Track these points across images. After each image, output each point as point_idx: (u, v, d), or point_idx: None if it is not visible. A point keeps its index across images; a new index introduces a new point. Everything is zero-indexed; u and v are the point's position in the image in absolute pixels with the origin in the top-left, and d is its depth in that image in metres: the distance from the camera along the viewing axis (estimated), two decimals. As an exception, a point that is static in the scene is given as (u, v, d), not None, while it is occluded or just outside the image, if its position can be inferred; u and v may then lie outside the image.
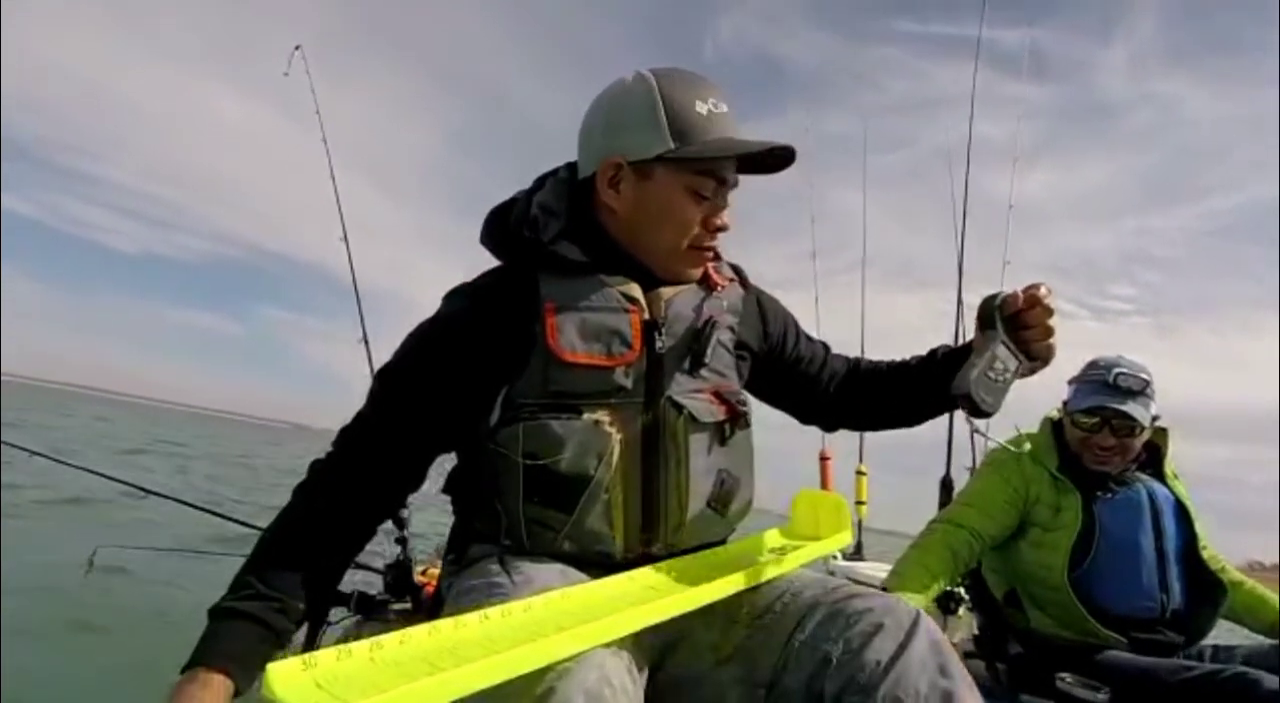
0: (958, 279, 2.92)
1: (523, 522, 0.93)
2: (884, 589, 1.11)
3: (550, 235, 0.98)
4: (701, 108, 0.95)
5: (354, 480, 0.93)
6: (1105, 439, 1.72)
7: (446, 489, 1.06)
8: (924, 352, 1.15)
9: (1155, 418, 1.73)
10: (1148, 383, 1.70)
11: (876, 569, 2.79)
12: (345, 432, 0.96)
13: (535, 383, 0.93)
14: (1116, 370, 1.71)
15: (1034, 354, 0.94)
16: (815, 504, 1.19)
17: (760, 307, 1.12)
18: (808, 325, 1.22)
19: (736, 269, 1.13)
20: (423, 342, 0.98)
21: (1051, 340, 0.94)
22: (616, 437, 0.92)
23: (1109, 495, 1.71)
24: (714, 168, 0.97)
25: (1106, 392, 1.71)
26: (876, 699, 0.73)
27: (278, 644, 0.83)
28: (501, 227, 1.02)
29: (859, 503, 3.30)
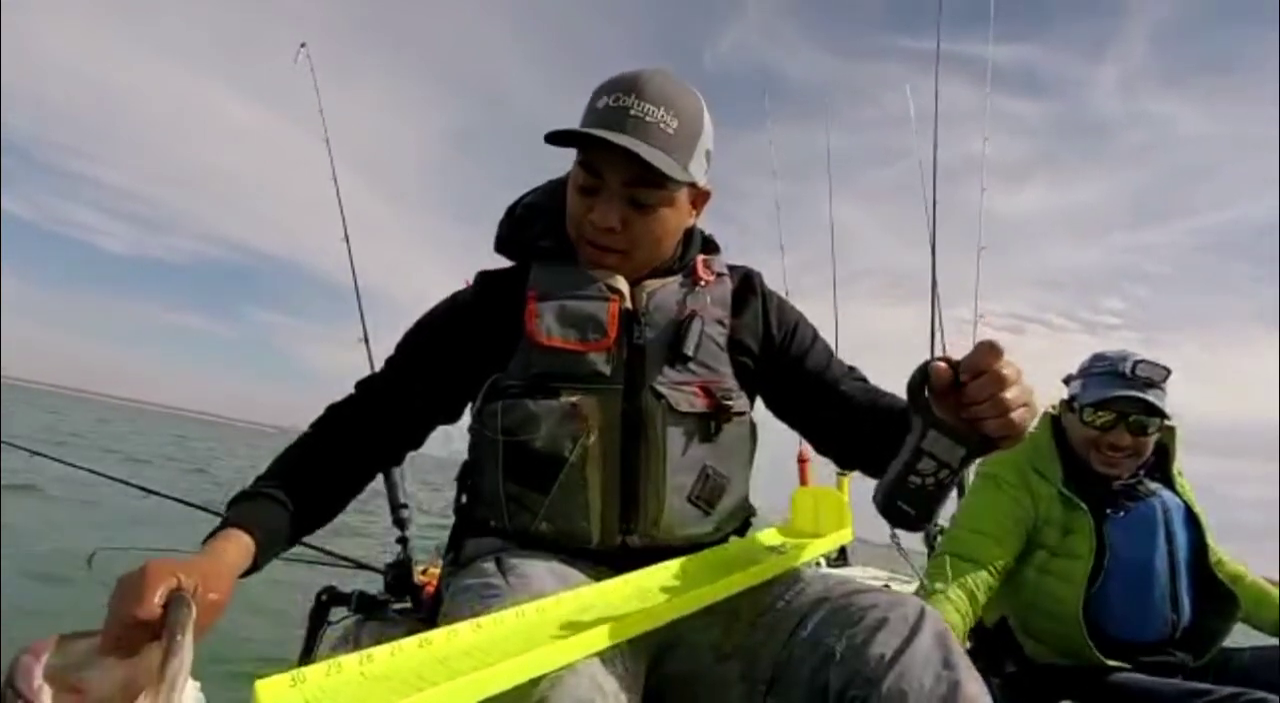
0: (931, 284, 2.85)
1: (503, 500, 0.97)
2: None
3: (535, 231, 1.06)
4: (600, 102, 0.95)
5: (358, 422, 1.00)
6: (1120, 438, 1.55)
7: (459, 477, 1.10)
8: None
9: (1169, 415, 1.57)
10: (1169, 373, 1.54)
11: (864, 575, 2.73)
12: (360, 383, 1.05)
13: (519, 366, 0.98)
14: (1134, 359, 1.55)
15: (990, 433, 0.71)
16: (815, 501, 1.18)
17: (765, 308, 1.10)
18: None
19: (750, 273, 1.12)
20: (430, 317, 1.08)
21: (1014, 415, 0.70)
22: (593, 421, 0.94)
23: (1120, 513, 1.55)
24: (587, 160, 0.97)
25: (1123, 383, 1.55)
26: (881, 692, 0.72)
27: (293, 530, 0.88)
28: (500, 230, 1.11)
29: (843, 468, 3.14)
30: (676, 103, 0.95)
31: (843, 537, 1.15)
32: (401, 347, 1.06)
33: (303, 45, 2.44)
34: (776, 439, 1.16)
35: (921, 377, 0.72)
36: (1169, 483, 1.63)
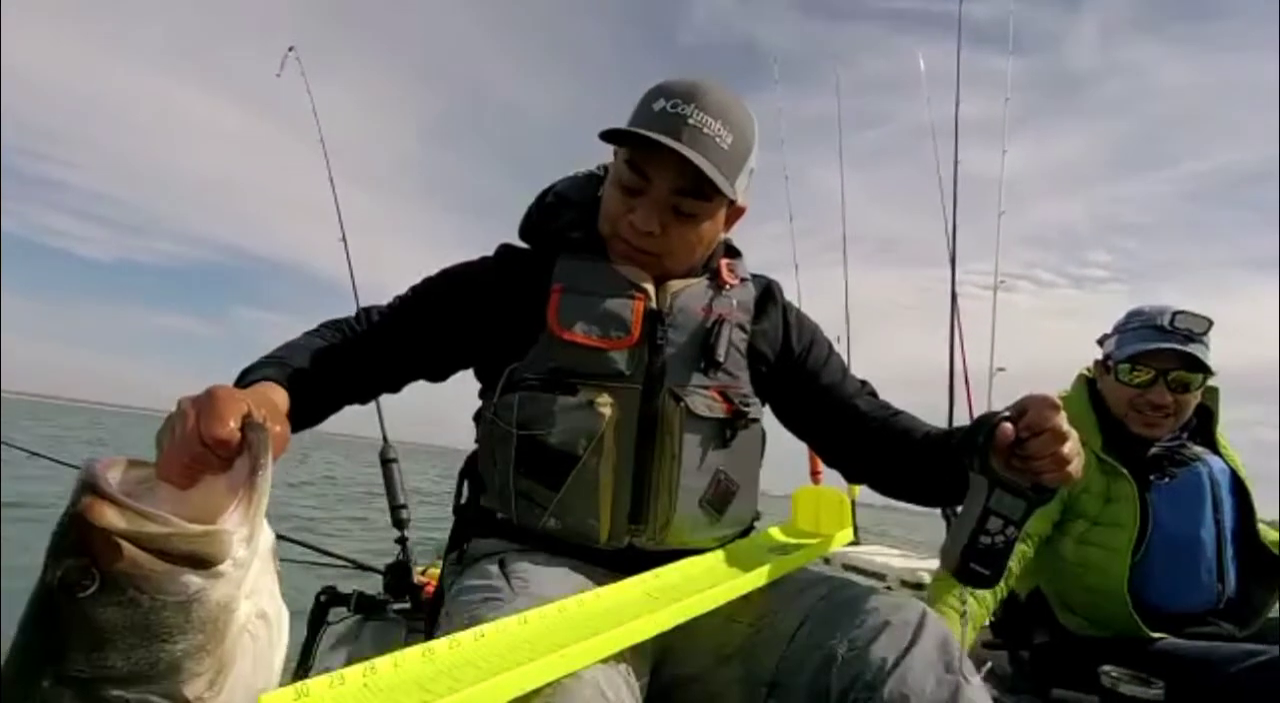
0: (950, 258, 2.83)
1: (513, 494, 0.96)
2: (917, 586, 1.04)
3: (563, 221, 1.05)
4: (656, 105, 0.94)
5: (349, 343, 0.97)
6: (1160, 396, 1.45)
7: (463, 471, 1.09)
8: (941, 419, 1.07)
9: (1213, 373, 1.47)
10: (1210, 324, 1.44)
11: (876, 554, 2.73)
12: (362, 310, 1.03)
13: (538, 359, 0.96)
14: (1174, 311, 1.45)
15: (1048, 485, 0.77)
16: (817, 500, 1.18)
17: (785, 319, 1.10)
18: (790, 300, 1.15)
19: (771, 283, 1.12)
20: (449, 274, 1.06)
21: (1071, 468, 0.76)
22: (610, 420, 0.93)
23: (1165, 480, 1.45)
24: (635, 160, 0.95)
25: (1161, 336, 1.45)
26: (882, 696, 0.73)
27: (300, 408, 0.86)
28: (528, 216, 1.10)
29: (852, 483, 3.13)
30: (732, 118, 0.95)
31: (844, 537, 1.15)
32: (413, 291, 1.04)
33: (290, 49, 2.39)
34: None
35: (986, 437, 0.76)
36: (1213, 447, 1.54)
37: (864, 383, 1.11)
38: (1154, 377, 1.46)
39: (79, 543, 0.50)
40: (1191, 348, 1.44)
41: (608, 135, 0.95)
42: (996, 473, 0.77)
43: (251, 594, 0.54)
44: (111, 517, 0.50)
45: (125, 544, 0.50)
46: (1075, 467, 0.76)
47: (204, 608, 0.51)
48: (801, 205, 4.21)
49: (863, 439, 1.04)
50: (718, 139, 0.93)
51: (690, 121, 0.92)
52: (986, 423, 0.77)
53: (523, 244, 1.10)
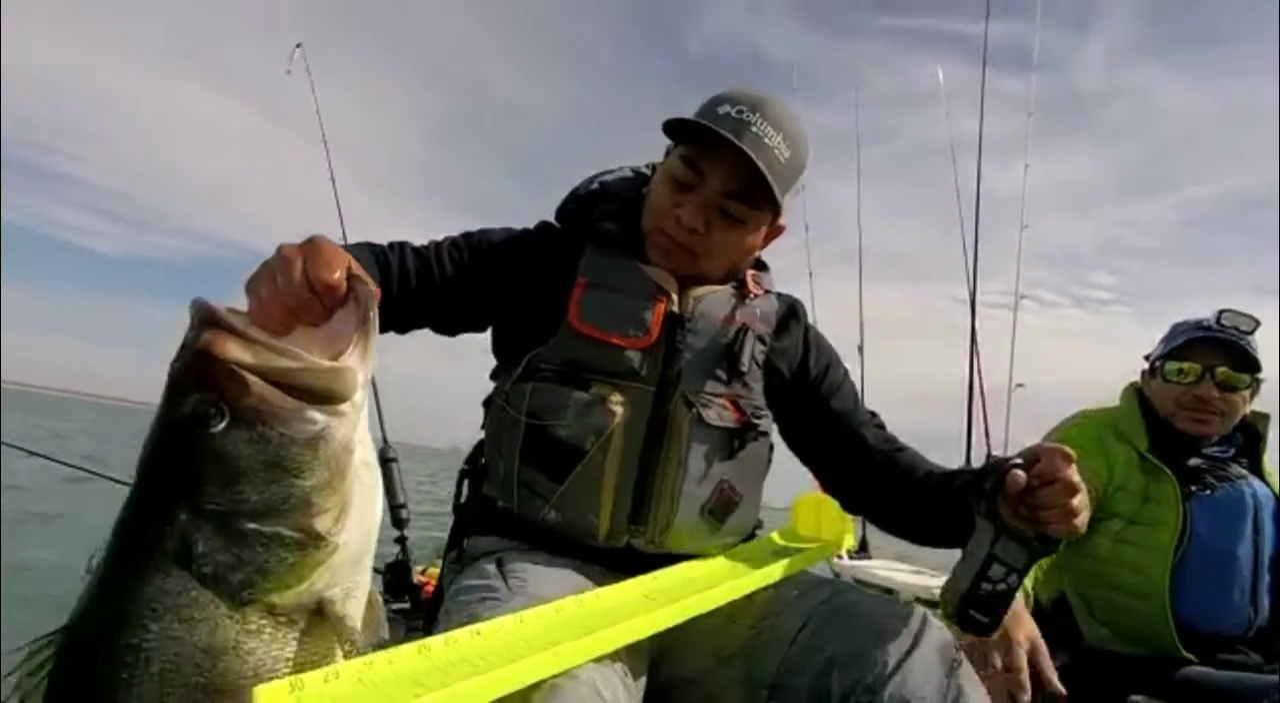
0: (971, 277, 2.83)
1: (516, 482, 0.95)
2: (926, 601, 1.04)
3: (598, 212, 1.04)
4: (720, 109, 0.95)
5: (378, 266, 0.94)
6: (1207, 391, 1.43)
7: (464, 470, 1.09)
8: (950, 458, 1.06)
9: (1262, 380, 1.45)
10: (1258, 323, 1.43)
11: (885, 569, 2.70)
12: (395, 243, 1.00)
13: (556, 349, 0.96)
14: (1220, 310, 1.44)
15: (1053, 535, 0.77)
16: (817, 507, 1.18)
17: (806, 339, 1.10)
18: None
19: (795, 302, 1.12)
20: (491, 229, 1.07)
21: (1077, 521, 0.76)
22: (619, 418, 0.93)
23: (1207, 492, 1.43)
24: (691, 157, 0.96)
25: (1206, 332, 1.45)
26: (883, 699, 0.73)
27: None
28: (565, 202, 1.10)
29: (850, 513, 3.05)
30: (793, 135, 0.96)
31: (847, 541, 1.15)
32: (450, 239, 1.03)
33: (298, 46, 2.43)
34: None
35: (995, 483, 0.76)
36: (1258, 472, 1.51)
37: (873, 414, 1.11)
38: (1200, 374, 1.44)
39: (203, 378, 0.49)
40: (1244, 343, 1.42)
41: (671, 125, 0.96)
42: (1004, 520, 0.77)
43: (361, 441, 0.54)
44: (236, 350, 0.49)
45: (252, 379, 0.49)
46: (1082, 520, 0.76)
47: (329, 446, 0.51)
48: (811, 218, 4.25)
49: (864, 470, 1.04)
50: (776, 151, 0.94)
51: (753, 129, 0.93)
52: (996, 469, 0.77)
53: (557, 225, 1.10)
